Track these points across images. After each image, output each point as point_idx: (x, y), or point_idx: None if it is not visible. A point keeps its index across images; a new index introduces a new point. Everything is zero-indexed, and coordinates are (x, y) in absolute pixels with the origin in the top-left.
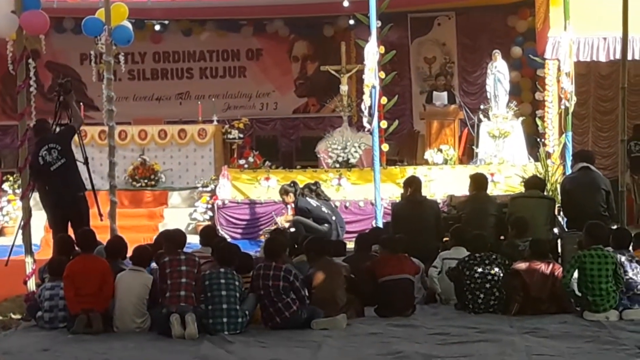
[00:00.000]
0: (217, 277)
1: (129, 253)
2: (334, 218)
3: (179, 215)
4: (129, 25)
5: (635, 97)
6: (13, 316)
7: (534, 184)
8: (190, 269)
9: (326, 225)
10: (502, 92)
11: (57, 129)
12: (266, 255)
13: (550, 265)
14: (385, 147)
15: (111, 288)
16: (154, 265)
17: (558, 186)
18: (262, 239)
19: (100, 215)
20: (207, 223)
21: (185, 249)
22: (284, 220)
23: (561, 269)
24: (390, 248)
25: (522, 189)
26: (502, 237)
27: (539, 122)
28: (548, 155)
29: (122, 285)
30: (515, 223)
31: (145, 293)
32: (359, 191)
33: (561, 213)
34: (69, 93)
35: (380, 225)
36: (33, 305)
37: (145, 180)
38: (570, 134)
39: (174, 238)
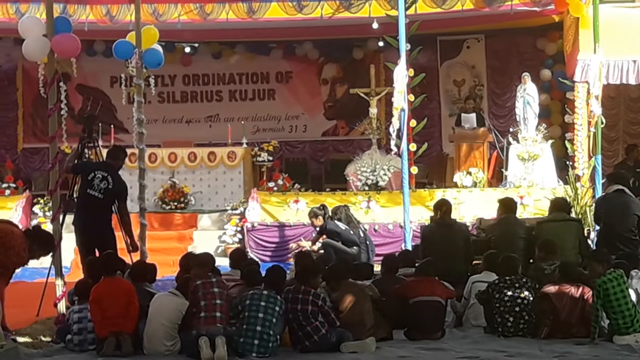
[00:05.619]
0: (259, 298)
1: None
2: (367, 242)
3: (209, 237)
4: (160, 48)
5: None
6: (43, 339)
7: (559, 206)
8: (223, 290)
9: (355, 248)
10: (532, 114)
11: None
12: (298, 278)
13: (580, 289)
14: (415, 169)
15: (137, 309)
16: None
17: (587, 209)
18: (291, 261)
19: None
20: (236, 246)
21: None
22: (307, 245)
23: (591, 292)
24: (425, 272)
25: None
26: (531, 260)
27: (568, 145)
28: (577, 178)
29: (155, 306)
30: (543, 245)
31: (177, 318)
32: (388, 214)
33: (591, 235)
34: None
35: (409, 248)
36: (63, 328)
37: (175, 203)
38: (599, 156)
39: (205, 262)
